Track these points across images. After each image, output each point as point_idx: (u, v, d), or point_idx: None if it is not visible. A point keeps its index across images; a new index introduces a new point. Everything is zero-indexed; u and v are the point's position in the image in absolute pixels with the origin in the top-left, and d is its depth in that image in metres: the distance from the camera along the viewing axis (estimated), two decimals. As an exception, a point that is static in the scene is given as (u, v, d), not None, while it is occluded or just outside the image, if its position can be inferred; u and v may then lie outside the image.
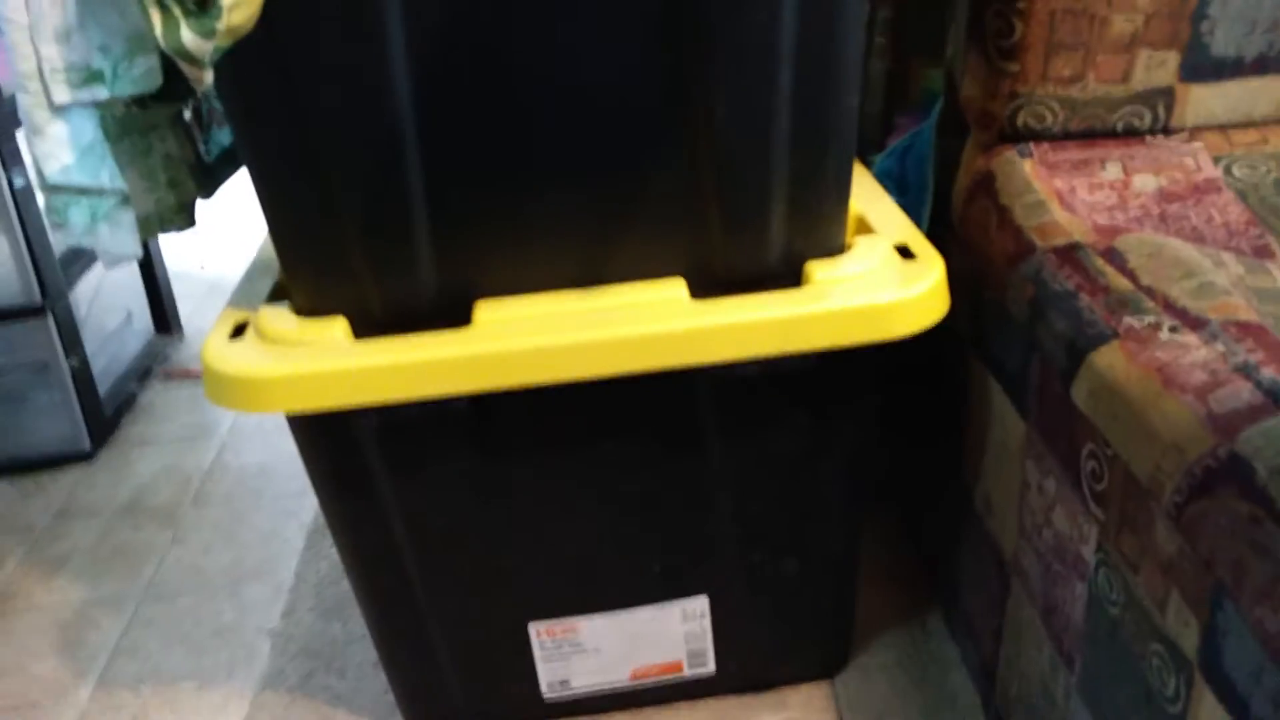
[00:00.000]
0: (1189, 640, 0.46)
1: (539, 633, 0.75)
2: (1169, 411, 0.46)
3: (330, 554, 1.04)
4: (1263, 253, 0.61)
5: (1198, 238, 0.62)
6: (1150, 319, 0.52)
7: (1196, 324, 0.51)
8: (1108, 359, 0.51)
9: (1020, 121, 0.67)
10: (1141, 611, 0.50)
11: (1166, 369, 0.48)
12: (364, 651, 0.91)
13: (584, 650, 0.77)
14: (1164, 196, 0.65)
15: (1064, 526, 0.58)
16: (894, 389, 0.87)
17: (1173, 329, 0.51)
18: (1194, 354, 0.49)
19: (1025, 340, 0.62)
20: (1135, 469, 0.48)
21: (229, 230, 1.85)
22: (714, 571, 0.74)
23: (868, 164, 0.84)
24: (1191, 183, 0.66)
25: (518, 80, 0.56)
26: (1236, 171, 0.66)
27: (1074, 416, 0.55)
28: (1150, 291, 0.54)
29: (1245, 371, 0.46)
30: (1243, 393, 0.45)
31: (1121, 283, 0.55)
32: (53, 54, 0.57)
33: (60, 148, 0.59)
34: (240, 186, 0.71)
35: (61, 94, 0.58)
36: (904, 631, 0.87)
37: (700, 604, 0.75)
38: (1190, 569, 0.45)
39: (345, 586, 0.99)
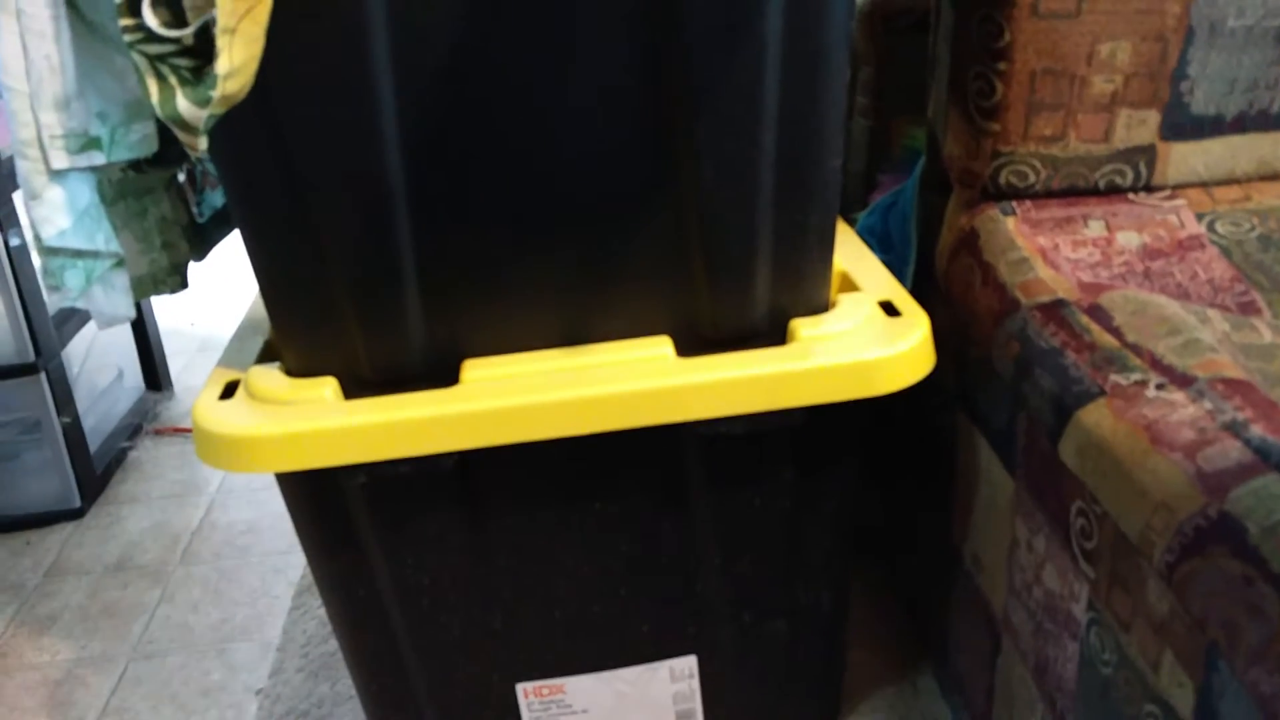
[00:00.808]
0: (1184, 702, 0.45)
1: (526, 693, 0.74)
2: (1158, 469, 0.46)
3: (318, 613, 1.03)
4: (1248, 309, 0.61)
5: (1182, 294, 0.62)
6: (1137, 376, 0.52)
7: (1183, 381, 0.51)
8: (1095, 416, 0.51)
9: (1003, 179, 0.68)
10: (1135, 671, 0.49)
11: (1154, 427, 0.48)
12: (352, 713, 0.89)
13: (572, 711, 0.75)
14: (1147, 253, 0.65)
15: (1054, 584, 0.58)
16: (882, 446, 0.87)
17: (1160, 386, 0.51)
18: (1182, 411, 0.49)
19: (1011, 397, 0.62)
20: (1125, 527, 0.48)
21: (219, 288, 1.86)
22: (702, 630, 0.73)
23: (851, 221, 0.85)
24: (1175, 239, 0.66)
25: (507, 143, 0.56)
26: (1220, 228, 0.67)
27: (1062, 474, 0.55)
28: (1136, 349, 0.54)
29: (1234, 429, 0.46)
30: (1232, 451, 0.45)
31: (1107, 340, 0.56)
32: (52, 121, 0.58)
33: (57, 212, 0.60)
34: (231, 246, 0.71)
35: (60, 160, 0.59)
36: (894, 691, 0.86)
37: (688, 664, 0.74)
38: (1183, 629, 0.45)
39: (333, 646, 0.97)
